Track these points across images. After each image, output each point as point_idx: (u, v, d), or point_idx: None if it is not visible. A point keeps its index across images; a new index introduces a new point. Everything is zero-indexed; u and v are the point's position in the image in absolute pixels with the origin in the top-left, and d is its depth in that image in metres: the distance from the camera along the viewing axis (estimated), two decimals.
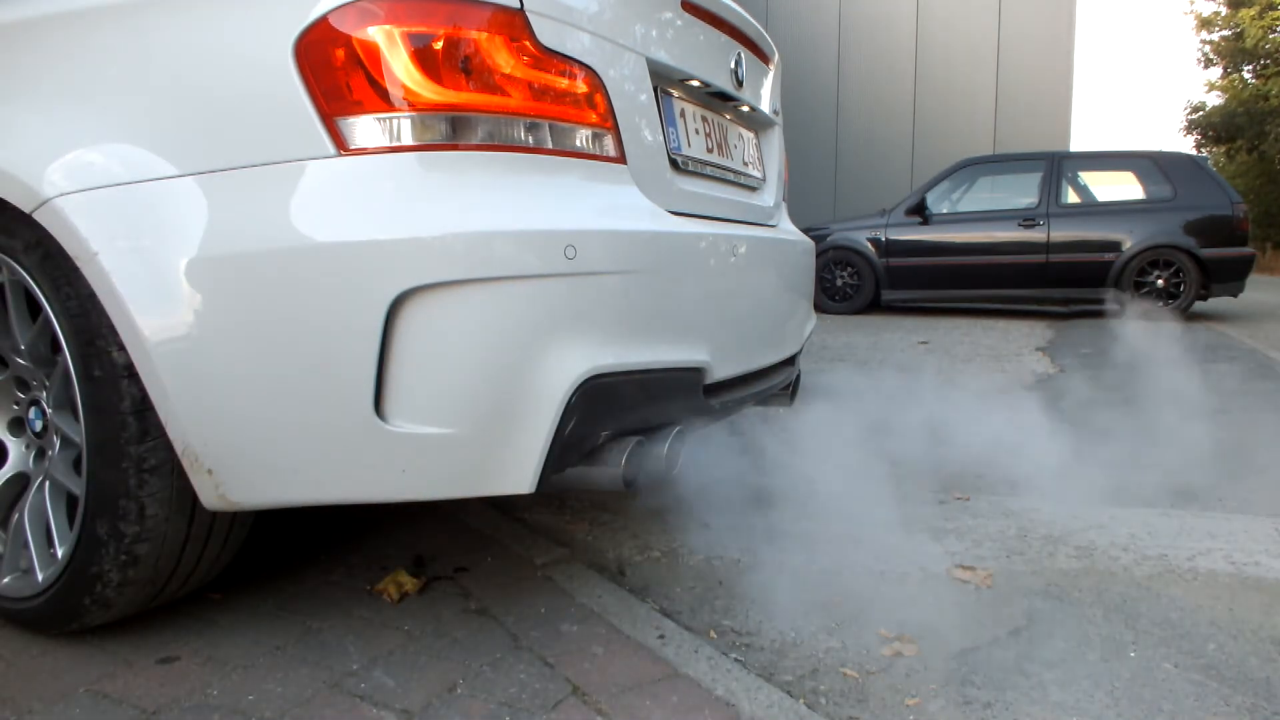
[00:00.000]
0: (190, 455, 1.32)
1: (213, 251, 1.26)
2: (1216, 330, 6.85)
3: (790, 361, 2.19)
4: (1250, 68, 26.52)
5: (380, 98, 1.25)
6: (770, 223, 2.17)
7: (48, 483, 1.51)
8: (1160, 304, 7.58)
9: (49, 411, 1.50)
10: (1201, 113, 28.53)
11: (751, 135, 2.16)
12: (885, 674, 1.47)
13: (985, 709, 1.37)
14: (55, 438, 1.50)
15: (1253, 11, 24.61)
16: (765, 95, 2.17)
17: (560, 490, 1.43)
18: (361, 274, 1.22)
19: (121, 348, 1.32)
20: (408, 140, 1.26)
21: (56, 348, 1.42)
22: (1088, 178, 8.16)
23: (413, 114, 1.26)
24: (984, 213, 8.23)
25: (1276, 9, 24.14)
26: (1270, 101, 23.97)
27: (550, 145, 1.38)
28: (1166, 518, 2.24)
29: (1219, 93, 27.88)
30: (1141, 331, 6.74)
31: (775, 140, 2.32)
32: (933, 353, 5.51)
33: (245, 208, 1.26)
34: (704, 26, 1.78)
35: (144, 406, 1.34)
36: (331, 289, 1.23)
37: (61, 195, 1.31)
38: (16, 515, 1.55)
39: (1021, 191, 8.22)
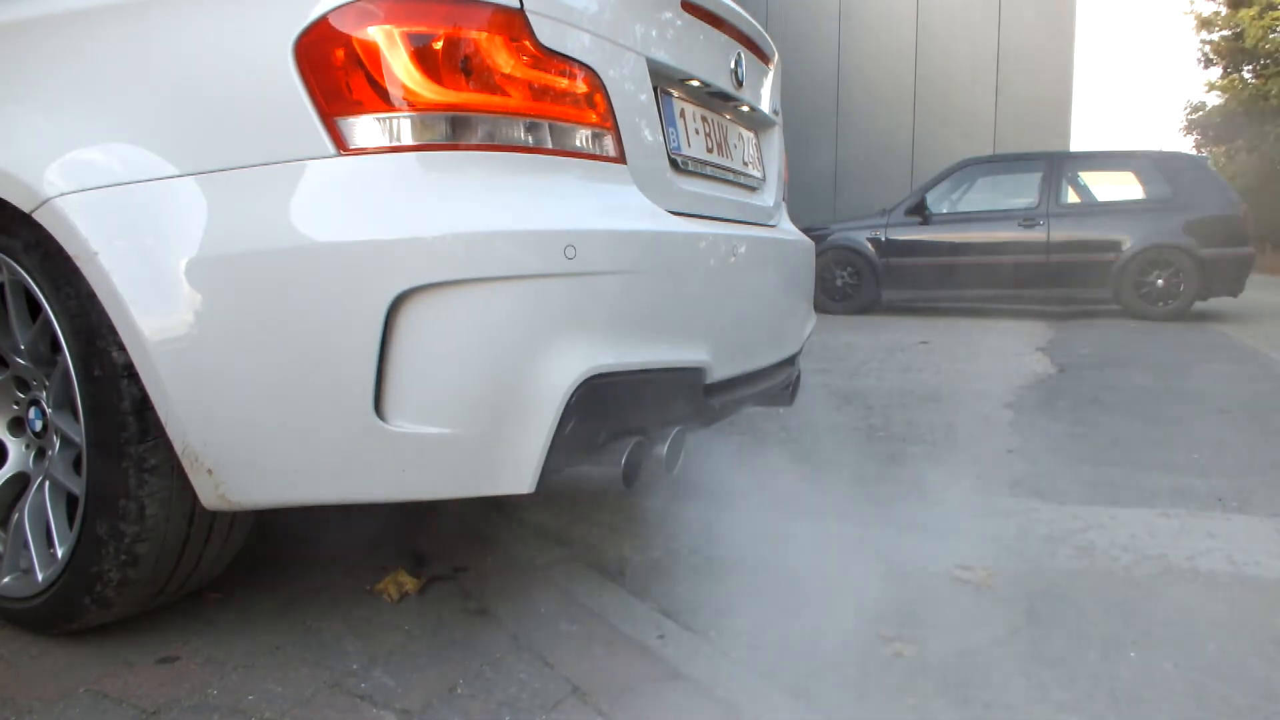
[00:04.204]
0: (190, 455, 1.32)
1: (213, 251, 1.26)
2: (1216, 330, 6.85)
3: (790, 361, 2.19)
4: (1250, 68, 26.51)
5: (380, 98, 1.25)
6: (770, 223, 2.17)
7: (48, 482, 1.51)
8: (1160, 304, 7.59)
9: (49, 411, 1.50)
10: (1201, 113, 28.55)
11: (751, 135, 2.16)
12: (885, 674, 1.47)
13: (985, 709, 1.37)
14: (55, 437, 1.50)
15: (1253, 11, 24.60)
16: (765, 95, 2.17)
17: (560, 490, 1.43)
18: (361, 274, 1.22)
19: (121, 348, 1.32)
20: (408, 140, 1.26)
21: (56, 348, 1.42)
22: (1088, 178, 8.17)
23: (413, 114, 1.26)
24: (984, 213, 8.23)
25: (1276, 9, 24.13)
26: (1270, 101, 23.96)
27: (550, 145, 1.38)
28: (1166, 518, 2.24)
29: (1219, 93, 27.89)
30: (1141, 332, 6.75)
31: (775, 140, 2.32)
32: (933, 352, 5.51)
33: (245, 208, 1.26)
34: (704, 26, 1.78)
35: (144, 406, 1.34)
36: (331, 289, 1.23)
37: (61, 195, 1.31)
38: (16, 515, 1.55)
39: (1021, 191, 8.22)
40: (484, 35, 1.30)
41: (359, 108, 1.25)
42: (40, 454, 1.60)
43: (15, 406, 1.63)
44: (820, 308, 8.08)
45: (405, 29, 1.26)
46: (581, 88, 1.41)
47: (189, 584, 1.55)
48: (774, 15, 12.94)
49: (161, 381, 1.29)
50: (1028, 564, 1.93)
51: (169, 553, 1.44)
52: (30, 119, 1.39)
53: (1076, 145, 19.40)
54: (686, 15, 1.71)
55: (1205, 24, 27.33)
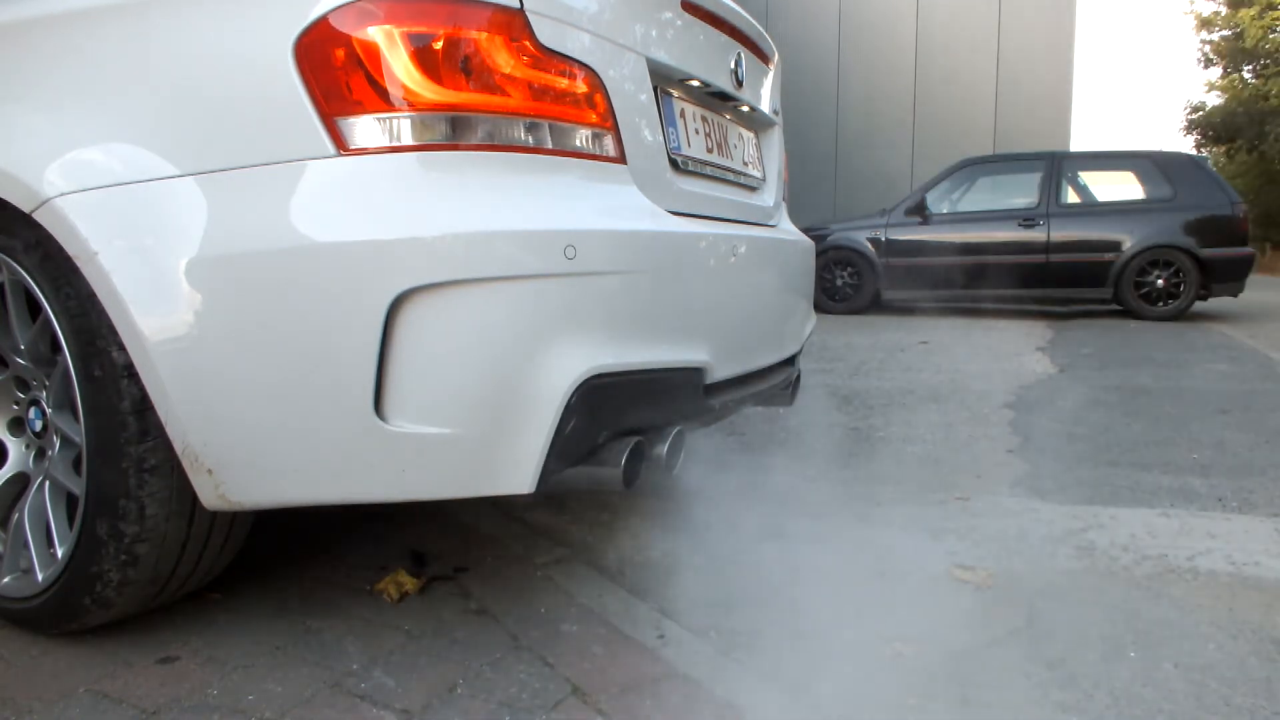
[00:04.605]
0: (190, 455, 1.32)
1: (213, 251, 1.26)
2: (1216, 330, 6.85)
3: (790, 361, 2.19)
4: (1250, 68, 26.53)
5: (380, 98, 1.25)
6: (770, 223, 2.17)
7: (48, 483, 1.51)
8: (1160, 304, 7.59)
9: (49, 411, 1.50)
10: (1201, 113, 28.54)
11: (751, 135, 2.16)
12: (885, 674, 1.47)
13: (985, 709, 1.37)
14: (55, 438, 1.50)
15: (1253, 11, 24.61)
16: (765, 95, 2.17)
17: (560, 490, 1.43)
18: (361, 274, 1.22)
19: (121, 348, 1.32)
20: (408, 140, 1.26)
21: (56, 348, 1.42)
22: (1088, 178, 8.17)
23: (413, 114, 1.26)
24: (984, 213, 8.23)
25: (1276, 9, 24.14)
26: (1270, 101, 23.97)
27: (550, 145, 1.38)
28: (1166, 518, 2.24)
29: (1219, 93, 27.90)
30: (1141, 332, 6.75)
31: (775, 140, 2.32)
32: (933, 352, 5.51)
33: (245, 208, 1.26)
34: (704, 26, 1.78)
35: (144, 406, 1.34)
36: (331, 289, 1.23)
37: (61, 195, 1.31)
38: (16, 515, 1.55)
39: (1021, 191, 8.22)
40: (484, 35, 1.30)
41: (359, 108, 1.25)
42: (40, 454, 1.60)
43: (15, 406, 1.63)
44: (820, 308, 8.09)
45: (405, 29, 1.26)
46: (581, 88, 1.41)
47: (189, 584, 1.55)
48: (774, 15, 12.93)
49: (161, 381, 1.29)
50: (1028, 564, 1.93)
51: (169, 553, 1.44)
52: (30, 119, 1.39)
53: (1076, 145, 19.41)
54: (686, 15, 1.71)
55: (1205, 24, 27.35)
